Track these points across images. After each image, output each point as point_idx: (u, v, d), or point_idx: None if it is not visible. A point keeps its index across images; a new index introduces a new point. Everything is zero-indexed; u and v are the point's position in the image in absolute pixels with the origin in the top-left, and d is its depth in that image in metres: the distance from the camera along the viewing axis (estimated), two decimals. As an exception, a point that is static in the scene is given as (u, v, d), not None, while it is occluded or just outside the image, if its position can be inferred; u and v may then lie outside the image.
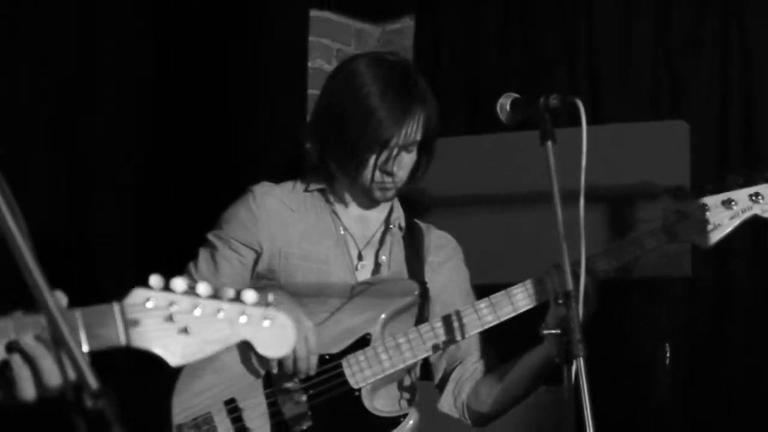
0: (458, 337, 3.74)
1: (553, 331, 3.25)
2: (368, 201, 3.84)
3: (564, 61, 6.11)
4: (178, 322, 2.24)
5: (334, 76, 3.87)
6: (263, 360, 3.71)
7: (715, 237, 3.70)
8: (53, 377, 2.13)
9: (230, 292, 2.27)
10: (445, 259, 4.00)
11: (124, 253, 5.27)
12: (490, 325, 3.74)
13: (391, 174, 3.71)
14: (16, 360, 2.16)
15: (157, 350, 2.23)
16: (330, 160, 3.77)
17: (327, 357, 3.72)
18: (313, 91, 6.03)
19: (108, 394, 1.91)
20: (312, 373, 3.68)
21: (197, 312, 2.25)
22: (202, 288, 2.24)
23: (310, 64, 6.29)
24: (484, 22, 6.32)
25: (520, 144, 4.19)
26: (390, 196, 3.80)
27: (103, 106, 5.29)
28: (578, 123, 3.30)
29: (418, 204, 4.11)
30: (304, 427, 3.71)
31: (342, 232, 3.88)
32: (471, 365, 3.89)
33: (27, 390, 2.17)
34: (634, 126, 5.15)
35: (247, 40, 5.91)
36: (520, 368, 3.78)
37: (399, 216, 3.94)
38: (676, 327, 5.11)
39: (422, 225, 4.03)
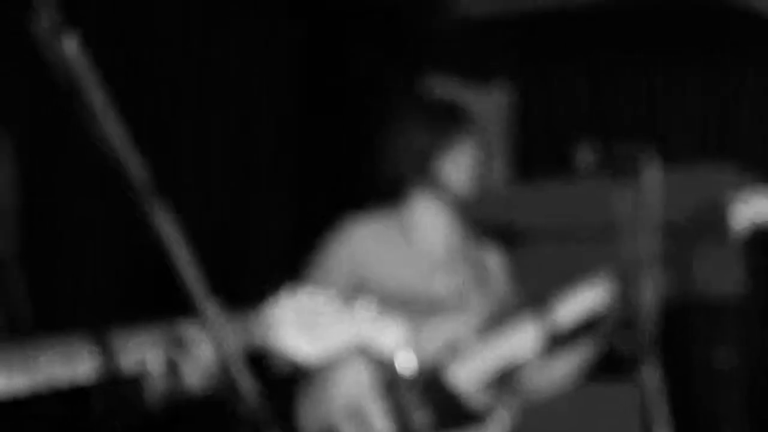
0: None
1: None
2: (434, 225, 3.89)
3: (635, 114, 6.24)
4: (311, 322, 2.37)
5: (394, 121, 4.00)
6: (379, 372, 3.78)
7: None
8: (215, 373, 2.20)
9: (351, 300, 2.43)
10: (496, 264, 4.04)
11: (271, 264, 5.40)
12: None
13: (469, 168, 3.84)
14: (183, 358, 2.26)
15: (295, 346, 2.35)
16: (407, 180, 3.87)
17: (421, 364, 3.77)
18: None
19: (264, 400, 1.95)
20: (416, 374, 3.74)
21: (326, 315, 2.39)
22: (330, 296, 2.41)
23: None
24: (568, 83, 6.47)
25: (599, 186, 4.29)
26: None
27: (259, 133, 5.55)
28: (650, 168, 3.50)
29: (504, 234, 4.18)
30: (421, 424, 3.75)
31: (419, 255, 3.90)
32: None
33: (194, 384, 2.27)
34: (692, 168, 5.26)
35: (376, 105, 6.11)
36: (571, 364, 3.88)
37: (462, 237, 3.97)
38: (734, 337, 5.19)
39: (480, 239, 4.06)
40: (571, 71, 6.50)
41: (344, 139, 5.93)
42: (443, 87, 6.53)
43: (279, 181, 5.55)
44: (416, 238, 3.89)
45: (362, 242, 3.83)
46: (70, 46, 1.87)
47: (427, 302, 3.83)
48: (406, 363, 3.47)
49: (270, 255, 5.36)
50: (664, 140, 5.99)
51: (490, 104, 6.65)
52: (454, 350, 3.80)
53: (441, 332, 3.81)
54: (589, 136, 4.03)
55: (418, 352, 3.50)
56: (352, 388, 3.77)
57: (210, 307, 1.96)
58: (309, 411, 3.77)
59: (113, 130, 1.89)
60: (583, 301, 3.78)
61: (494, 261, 4.02)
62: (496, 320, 3.90)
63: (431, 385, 3.79)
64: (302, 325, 2.35)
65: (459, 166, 3.83)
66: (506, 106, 6.64)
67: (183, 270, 1.94)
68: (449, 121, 3.86)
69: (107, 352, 2.18)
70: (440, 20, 6.27)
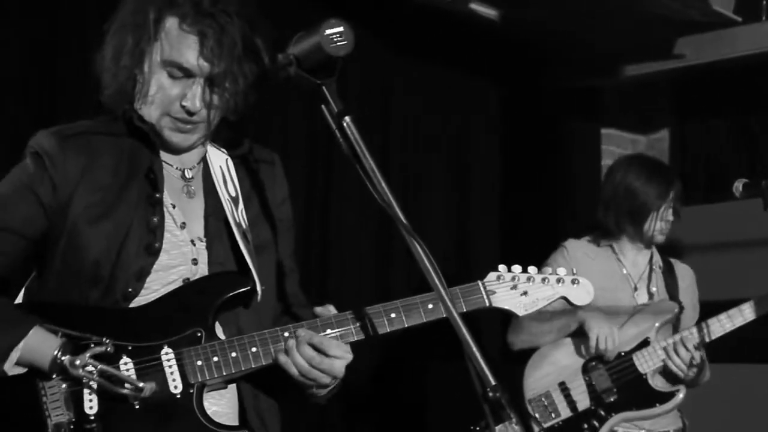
0: (705, 340, 3.97)
1: None
2: (637, 251, 4.09)
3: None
4: (519, 288, 2.41)
5: (618, 173, 4.09)
6: (580, 355, 3.98)
7: None
8: None
9: (549, 270, 2.49)
10: (687, 284, 4.21)
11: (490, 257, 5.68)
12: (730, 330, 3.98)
13: (668, 221, 4.08)
14: None
15: (507, 307, 2.39)
16: (623, 223, 4.04)
17: (622, 353, 4.01)
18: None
19: (502, 387, 1.86)
20: (612, 358, 3.92)
21: (530, 281, 2.43)
22: (531, 268, 2.48)
23: (602, 163, 6.41)
24: (717, 130, 6.36)
25: (746, 209, 4.16)
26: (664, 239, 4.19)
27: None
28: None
29: (673, 249, 4.25)
30: (612, 399, 3.91)
31: (624, 272, 4.12)
32: None
33: None
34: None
35: (565, 151, 6.45)
36: None
37: (657, 259, 4.22)
38: None
39: (672, 261, 4.25)
40: (722, 123, 6.32)
41: (540, 179, 6.18)
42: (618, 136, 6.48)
43: (490, 223, 5.84)
44: (624, 262, 4.13)
45: (583, 257, 4.07)
46: (349, 124, 2.02)
47: (628, 308, 4.04)
48: (607, 350, 3.51)
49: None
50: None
51: (654, 148, 6.52)
52: (643, 344, 4.00)
53: (635, 330, 3.98)
54: (736, 172, 3.90)
55: (618, 344, 3.92)
56: (565, 365, 3.95)
57: (453, 308, 1.98)
58: (531, 378, 3.97)
59: (380, 183, 2.00)
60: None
61: (685, 281, 4.18)
62: (675, 323, 4.11)
63: (624, 370, 3.94)
64: (516, 291, 2.35)
65: (663, 221, 4.04)
66: (668, 149, 6.50)
67: (434, 282, 1.97)
68: (669, 184, 4.04)
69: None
70: (611, 81, 6.34)
